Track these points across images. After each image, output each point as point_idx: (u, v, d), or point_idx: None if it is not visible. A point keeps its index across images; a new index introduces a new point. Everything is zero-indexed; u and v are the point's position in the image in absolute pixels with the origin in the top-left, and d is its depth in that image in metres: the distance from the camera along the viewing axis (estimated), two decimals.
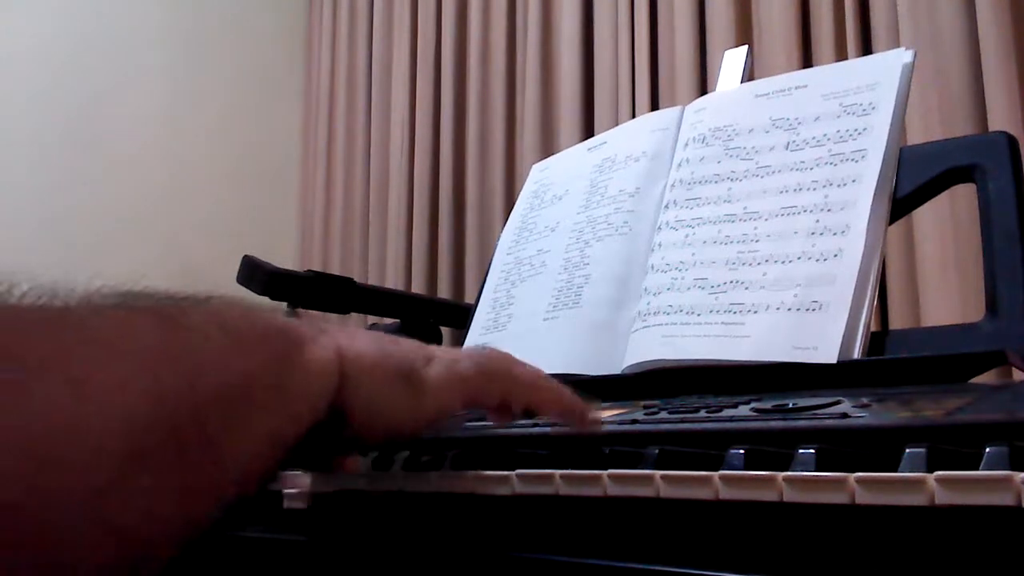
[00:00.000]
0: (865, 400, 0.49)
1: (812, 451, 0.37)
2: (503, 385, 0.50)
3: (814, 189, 0.69)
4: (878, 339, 0.66)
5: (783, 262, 0.67)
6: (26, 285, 0.36)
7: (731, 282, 0.69)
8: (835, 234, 0.66)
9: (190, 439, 0.37)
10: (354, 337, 0.47)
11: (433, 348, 0.51)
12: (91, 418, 0.34)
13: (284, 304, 1.06)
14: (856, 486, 0.33)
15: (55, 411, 0.33)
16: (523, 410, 0.50)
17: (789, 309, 0.65)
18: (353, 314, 1.13)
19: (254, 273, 1.02)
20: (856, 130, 0.69)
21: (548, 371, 0.76)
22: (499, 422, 0.53)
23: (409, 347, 0.50)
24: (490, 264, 0.95)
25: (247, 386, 0.40)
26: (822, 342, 0.62)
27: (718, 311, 0.68)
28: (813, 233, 0.67)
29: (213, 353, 0.40)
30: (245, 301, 0.45)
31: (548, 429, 0.58)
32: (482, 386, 0.50)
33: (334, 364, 0.44)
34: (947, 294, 1.32)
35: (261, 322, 0.44)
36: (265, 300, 1.00)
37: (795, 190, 0.70)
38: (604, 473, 0.40)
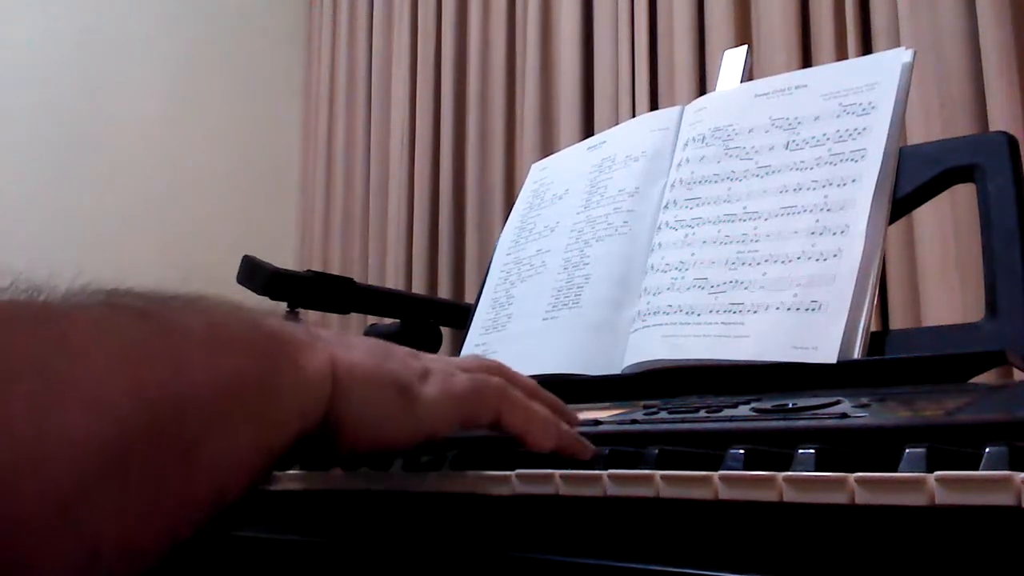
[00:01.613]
0: (865, 400, 0.49)
1: (812, 451, 0.37)
2: (496, 410, 0.48)
3: (814, 189, 0.69)
4: (878, 339, 0.66)
5: (783, 262, 0.67)
6: (7, 281, 0.35)
7: (731, 282, 0.69)
8: (835, 234, 0.65)
9: (169, 441, 0.35)
10: (350, 347, 0.46)
11: (428, 361, 0.49)
12: (65, 417, 0.32)
13: (284, 305, 1.06)
14: (856, 486, 0.33)
15: (27, 409, 0.31)
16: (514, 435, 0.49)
17: (789, 309, 0.65)
18: (353, 314, 1.13)
19: (254, 273, 1.02)
20: (856, 130, 0.69)
21: (548, 371, 0.77)
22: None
23: (405, 360, 0.48)
24: (490, 264, 0.95)
25: (232, 389, 0.38)
26: (822, 342, 0.62)
27: (718, 311, 0.68)
28: (813, 233, 0.67)
29: (198, 353, 0.38)
30: (238, 303, 0.44)
31: None
32: (476, 408, 0.48)
33: (327, 374, 0.43)
34: (947, 294, 1.32)
35: (252, 324, 0.42)
36: (265, 301, 1.00)
37: (795, 190, 0.70)
38: (604, 473, 0.40)
